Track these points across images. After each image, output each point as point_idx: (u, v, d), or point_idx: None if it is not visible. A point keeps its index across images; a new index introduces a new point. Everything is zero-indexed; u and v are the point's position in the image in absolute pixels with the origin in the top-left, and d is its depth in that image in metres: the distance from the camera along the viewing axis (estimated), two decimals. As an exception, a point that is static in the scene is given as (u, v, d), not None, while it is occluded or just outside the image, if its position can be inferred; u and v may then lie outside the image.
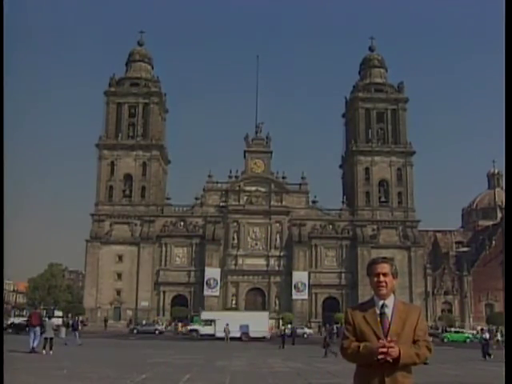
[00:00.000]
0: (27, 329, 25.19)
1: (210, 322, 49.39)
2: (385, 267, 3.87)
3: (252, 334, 46.94)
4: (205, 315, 54.57)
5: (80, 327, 34.85)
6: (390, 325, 3.75)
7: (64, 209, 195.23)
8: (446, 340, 52.89)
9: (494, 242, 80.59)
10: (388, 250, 76.94)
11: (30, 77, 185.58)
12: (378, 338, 3.69)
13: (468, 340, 53.32)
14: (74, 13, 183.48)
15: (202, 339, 45.64)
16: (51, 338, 23.95)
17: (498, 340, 40.16)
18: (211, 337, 46.33)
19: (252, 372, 18.48)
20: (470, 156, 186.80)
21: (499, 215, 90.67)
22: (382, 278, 3.83)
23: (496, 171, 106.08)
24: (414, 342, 3.72)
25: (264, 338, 46.99)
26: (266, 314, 54.35)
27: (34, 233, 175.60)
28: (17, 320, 59.06)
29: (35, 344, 23.45)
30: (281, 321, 71.26)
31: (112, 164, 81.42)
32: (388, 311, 3.80)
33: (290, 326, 50.06)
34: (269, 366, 20.61)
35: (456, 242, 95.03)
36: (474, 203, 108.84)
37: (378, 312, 3.81)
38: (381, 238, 79.01)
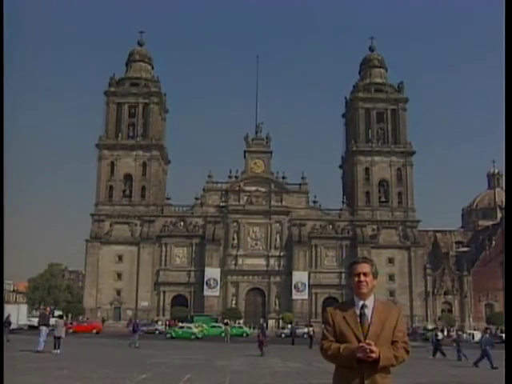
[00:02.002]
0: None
1: None
2: (365, 267, 3.88)
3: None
4: None
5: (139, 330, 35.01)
6: (369, 326, 3.75)
7: (64, 209, 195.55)
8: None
9: (493, 242, 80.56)
10: (388, 250, 77.03)
11: (30, 77, 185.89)
12: (358, 339, 3.71)
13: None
14: (74, 13, 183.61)
15: None
16: (59, 337, 24.08)
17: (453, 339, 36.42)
18: None
19: (252, 372, 18.48)
20: (470, 156, 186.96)
21: (499, 215, 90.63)
22: (362, 278, 3.84)
23: (496, 171, 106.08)
24: (393, 342, 3.74)
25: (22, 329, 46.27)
26: (14, 306, 52.61)
27: (34, 233, 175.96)
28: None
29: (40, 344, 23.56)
30: (281, 321, 71.41)
31: (112, 164, 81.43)
32: (368, 312, 3.80)
33: (289, 325, 49.98)
34: (269, 366, 20.61)
35: (456, 242, 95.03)
36: (474, 203, 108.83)
37: (357, 312, 3.81)
38: (381, 238, 79.00)
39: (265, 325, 33.33)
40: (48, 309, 27.98)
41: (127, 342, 32.19)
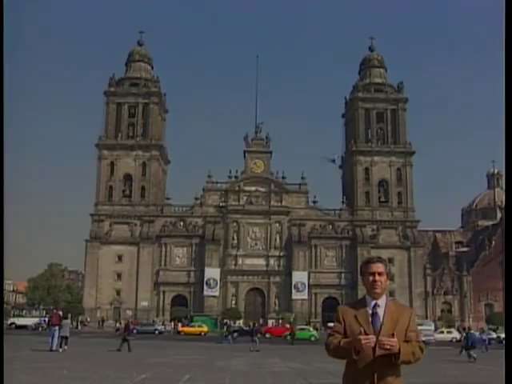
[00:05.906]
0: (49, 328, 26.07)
1: None
2: (380, 267, 3.85)
3: None
4: None
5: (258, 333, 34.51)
6: (381, 325, 3.72)
7: (64, 209, 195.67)
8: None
9: (493, 242, 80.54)
10: (388, 250, 76.92)
11: (29, 77, 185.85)
12: None
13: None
14: (74, 13, 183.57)
15: None
16: (66, 337, 25.00)
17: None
18: None
19: (252, 372, 18.48)
20: (470, 156, 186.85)
21: (499, 215, 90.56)
22: (377, 278, 3.81)
23: (496, 171, 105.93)
24: (405, 342, 3.69)
25: None
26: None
27: (34, 233, 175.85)
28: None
29: (54, 344, 24.47)
30: (280, 321, 71.33)
31: (112, 164, 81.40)
32: (380, 311, 3.78)
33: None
34: (268, 366, 20.61)
35: (456, 242, 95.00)
36: (473, 203, 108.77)
37: (369, 312, 3.78)
38: (380, 238, 79.02)
39: (130, 324, 32.12)
40: (57, 311, 28.40)
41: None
